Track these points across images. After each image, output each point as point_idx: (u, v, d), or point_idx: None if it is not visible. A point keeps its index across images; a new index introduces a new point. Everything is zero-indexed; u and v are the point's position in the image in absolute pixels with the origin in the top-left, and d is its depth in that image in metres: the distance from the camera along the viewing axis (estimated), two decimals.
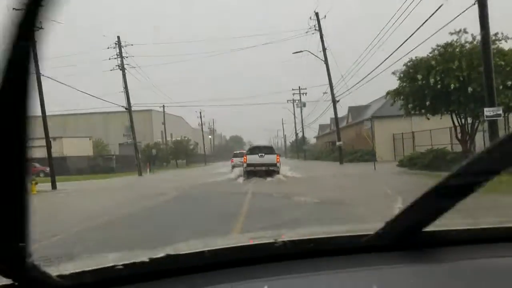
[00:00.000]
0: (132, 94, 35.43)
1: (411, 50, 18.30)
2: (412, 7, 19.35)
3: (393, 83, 18.53)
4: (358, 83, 40.50)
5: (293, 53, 35.20)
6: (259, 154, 21.57)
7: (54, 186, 20.81)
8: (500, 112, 13.14)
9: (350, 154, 35.99)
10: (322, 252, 1.07)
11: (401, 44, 19.64)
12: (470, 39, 16.38)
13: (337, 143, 33.01)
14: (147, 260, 0.96)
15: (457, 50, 16.28)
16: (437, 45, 16.86)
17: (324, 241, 1.11)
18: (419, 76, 16.27)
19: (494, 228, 1.19)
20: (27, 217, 0.70)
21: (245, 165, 21.84)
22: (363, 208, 8.60)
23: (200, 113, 79.69)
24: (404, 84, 17.48)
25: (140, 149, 43.39)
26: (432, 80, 15.79)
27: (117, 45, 35.18)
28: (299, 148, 69.84)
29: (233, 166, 27.94)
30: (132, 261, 0.96)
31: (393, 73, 17.91)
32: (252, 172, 20.90)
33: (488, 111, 13.00)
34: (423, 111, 17.88)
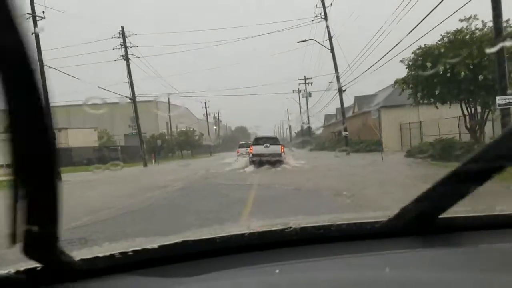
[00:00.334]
0: (137, 85, 35.27)
1: (420, 38, 17.92)
2: None
3: (400, 72, 18.22)
4: (365, 72, 39.97)
5: (298, 42, 34.84)
6: (264, 145, 22.20)
7: (59, 177, 20.70)
8: None
9: (356, 144, 35.65)
10: (333, 238, 1.08)
11: (410, 32, 19.24)
12: (480, 25, 16.01)
13: (343, 133, 32.72)
14: (158, 246, 0.99)
15: (467, 37, 15.92)
16: (447, 32, 16.51)
17: (335, 227, 1.11)
18: (428, 64, 15.92)
19: (508, 214, 1.18)
20: (57, 204, 0.74)
21: (251, 155, 22.44)
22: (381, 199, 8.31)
23: (205, 103, 79.39)
24: (413, 72, 17.13)
25: (145, 140, 43.33)
26: (441, 68, 15.45)
27: (121, 35, 34.91)
28: (304, 139, 69.56)
29: (239, 156, 28.49)
30: (146, 246, 0.99)
31: (402, 61, 17.57)
32: (258, 162, 21.39)
33: (500, 100, 12.68)
34: (432, 100, 17.55)
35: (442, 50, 15.82)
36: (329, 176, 14.65)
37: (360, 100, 44.87)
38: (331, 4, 34.40)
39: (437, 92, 16.26)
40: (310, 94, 58.93)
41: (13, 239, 0.76)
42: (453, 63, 15.20)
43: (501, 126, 13.63)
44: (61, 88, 36.69)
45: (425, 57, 16.35)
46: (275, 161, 21.25)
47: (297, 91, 63.57)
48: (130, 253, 0.98)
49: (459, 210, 1.12)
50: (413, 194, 1.05)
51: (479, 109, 17.20)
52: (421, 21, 17.98)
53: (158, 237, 1.11)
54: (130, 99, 34.84)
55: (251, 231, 1.12)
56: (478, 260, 0.96)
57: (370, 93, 45.46)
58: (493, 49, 12.98)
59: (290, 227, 1.08)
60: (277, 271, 0.93)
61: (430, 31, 17.56)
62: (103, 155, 45.84)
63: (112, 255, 0.98)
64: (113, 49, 35.24)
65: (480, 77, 14.99)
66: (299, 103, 67.45)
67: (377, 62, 32.91)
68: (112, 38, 35.14)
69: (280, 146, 22.53)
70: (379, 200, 8.15)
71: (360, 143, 35.80)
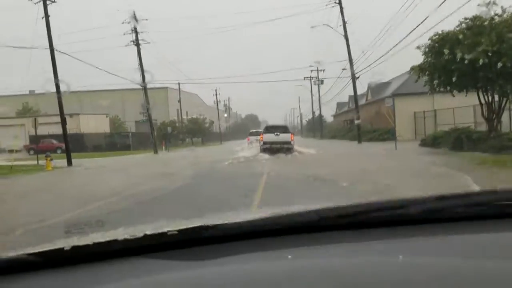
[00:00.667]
0: (148, 71, 35.16)
1: (437, 24, 17.40)
2: None
3: (415, 59, 17.79)
4: (379, 58, 39.28)
5: (311, 27, 34.39)
6: (275, 133, 23.01)
7: (69, 163, 20.76)
8: None
9: (368, 132, 35.24)
10: (350, 225, 1.07)
11: (426, 17, 18.75)
12: (499, 11, 15.50)
13: (356, 121, 32.32)
14: (168, 231, 1.00)
15: (486, 23, 15.42)
16: (465, 18, 16.01)
17: (351, 213, 1.10)
18: (446, 51, 15.47)
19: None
20: None
21: (261, 143, 23.29)
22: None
23: (216, 90, 79.14)
24: (429, 59, 16.69)
25: (156, 127, 43.32)
26: (459, 55, 15.00)
27: (132, 20, 34.63)
28: (316, 127, 69.07)
29: (249, 144, 29.01)
30: (157, 231, 1.00)
31: (418, 47, 17.10)
32: (268, 149, 22.11)
33: None
34: (448, 87, 17.11)
35: (460, 36, 15.34)
36: (336, 167, 14.39)
37: (374, 87, 44.21)
38: None
39: (454, 79, 15.81)
40: (322, 81, 58.31)
41: None
42: (471, 50, 14.76)
43: None
44: (72, 74, 36.66)
45: (442, 43, 15.88)
46: (285, 149, 21.99)
47: (309, 78, 62.75)
48: (140, 237, 0.99)
49: None
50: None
51: (496, 97, 16.77)
52: (439, 6, 17.48)
53: (170, 221, 1.11)
54: (141, 85, 34.72)
55: (264, 216, 1.10)
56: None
57: (384, 80, 44.84)
58: None
59: (306, 212, 1.08)
60: (290, 256, 0.93)
61: (448, 17, 17.08)
62: (114, 141, 46.04)
63: (126, 239, 0.99)
64: (124, 34, 35.01)
65: (499, 64, 14.52)
66: (311, 91, 66.71)
67: (392, 48, 32.28)
68: (122, 23, 34.90)
69: (290, 134, 23.42)
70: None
71: (373, 131, 35.37)
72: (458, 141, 17.02)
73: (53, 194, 10.54)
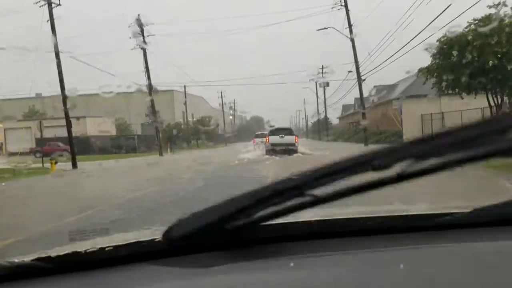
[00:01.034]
0: (154, 74, 35.19)
1: (445, 25, 17.18)
2: None
3: (422, 62, 17.61)
4: (386, 60, 38.87)
5: (317, 30, 34.10)
6: (280, 135, 24.01)
7: (74, 165, 20.72)
8: None
9: (375, 135, 34.99)
10: (356, 233, 1.06)
11: (435, 18, 18.55)
12: (510, 12, 15.27)
13: (362, 123, 32.10)
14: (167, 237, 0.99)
15: (496, 24, 15.21)
16: (474, 19, 15.79)
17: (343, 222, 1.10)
18: (454, 53, 15.26)
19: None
20: None
21: (267, 144, 24.33)
22: None
23: (221, 93, 79.15)
24: (438, 61, 16.48)
25: (161, 129, 43.31)
26: (468, 57, 14.79)
27: (137, 24, 34.69)
28: (321, 129, 68.85)
29: (255, 146, 29.81)
30: (151, 238, 0.99)
31: (426, 49, 16.90)
32: (273, 150, 23.13)
33: None
34: (457, 90, 16.89)
35: (469, 37, 15.13)
36: None
37: (380, 89, 43.94)
38: None
39: (463, 81, 15.60)
40: (327, 84, 58.06)
41: None
42: (480, 52, 14.54)
43: None
44: (78, 77, 36.81)
45: (451, 45, 15.67)
46: (289, 150, 23.02)
47: (314, 80, 62.53)
48: (142, 244, 0.98)
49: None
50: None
51: (505, 99, 16.55)
52: (447, 8, 17.28)
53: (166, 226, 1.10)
54: (147, 88, 34.74)
55: (269, 223, 1.06)
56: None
57: (390, 82, 44.55)
58: None
59: (312, 220, 1.07)
60: (292, 264, 0.92)
61: (456, 18, 16.86)
62: (120, 143, 46.09)
63: (125, 245, 0.99)
64: (130, 38, 35.10)
65: (509, 66, 14.32)
66: (316, 93, 66.54)
67: (399, 50, 32.03)
68: (129, 27, 34.98)
69: (294, 136, 24.40)
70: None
71: (379, 133, 35.13)
72: None
73: (49, 199, 10.25)
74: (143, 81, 34.68)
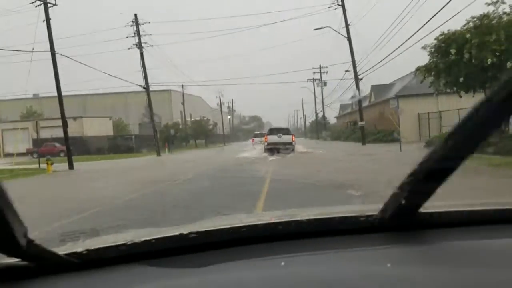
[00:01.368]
0: (152, 74, 35.05)
1: (443, 23, 17.06)
2: None
3: (419, 60, 17.54)
4: (383, 59, 38.86)
5: (314, 29, 34.07)
6: (278, 135, 25.31)
7: (71, 166, 20.55)
8: None
9: (372, 134, 34.95)
10: (327, 232, 1.08)
11: (432, 16, 18.45)
12: (508, 9, 15.21)
13: (359, 123, 32.02)
14: (161, 237, 1.00)
15: (494, 21, 15.14)
16: (472, 17, 15.72)
17: (329, 221, 1.13)
18: (452, 51, 15.18)
19: (489, 209, 1.17)
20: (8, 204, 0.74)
21: (266, 143, 25.49)
22: None
23: (220, 92, 79.14)
24: (435, 59, 16.39)
25: (159, 129, 43.13)
26: (466, 55, 14.71)
27: (134, 23, 34.55)
28: (319, 128, 68.78)
29: (254, 145, 31.02)
30: (152, 237, 1.00)
31: (423, 47, 16.81)
32: (272, 149, 24.19)
33: None
34: (455, 88, 16.80)
35: (468, 35, 15.05)
36: (340, 170, 14.09)
37: (377, 89, 43.91)
38: None
39: (461, 80, 15.52)
40: (325, 83, 58.09)
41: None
42: (479, 50, 14.46)
43: None
44: (75, 77, 36.68)
45: (449, 43, 15.59)
46: (287, 149, 24.27)
47: (312, 80, 62.55)
48: (135, 243, 0.98)
49: (443, 204, 1.14)
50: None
51: None
52: (445, 6, 17.20)
53: (165, 228, 1.13)
54: (144, 88, 34.59)
55: (260, 222, 1.12)
56: (455, 257, 0.94)
57: (387, 82, 44.54)
58: None
59: (303, 219, 1.09)
60: (283, 263, 0.92)
61: (454, 16, 16.77)
62: (117, 144, 45.91)
63: (116, 246, 0.99)
64: (127, 37, 34.95)
65: (508, 64, 14.23)
66: (314, 93, 66.52)
67: (396, 49, 31.93)
68: (125, 26, 34.83)
69: (291, 135, 25.73)
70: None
71: (377, 133, 35.09)
72: None
73: (41, 202, 10.02)
74: (141, 81, 34.58)
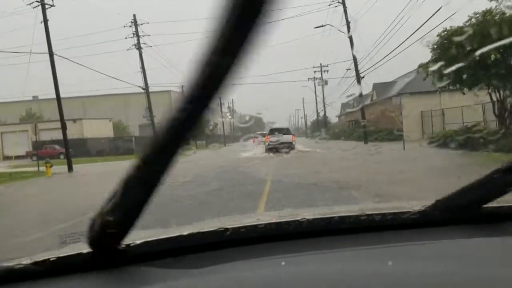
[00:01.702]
0: (151, 75, 34.88)
1: (445, 20, 16.85)
2: None
3: (419, 58, 17.31)
4: (385, 57, 38.58)
5: (315, 27, 33.82)
6: (278, 135, 25.84)
7: (70, 168, 20.38)
8: None
9: (374, 133, 34.71)
10: (350, 230, 1.06)
11: (434, 13, 18.26)
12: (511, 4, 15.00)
13: (362, 122, 31.83)
14: (166, 238, 1.01)
15: (497, 17, 14.92)
16: (475, 13, 15.50)
17: (353, 218, 1.10)
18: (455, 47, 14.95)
19: None
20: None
21: (267, 143, 25.87)
22: None
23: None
24: (438, 56, 16.18)
25: None
26: (469, 51, 14.47)
27: (133, 24, 34.42)
28: (320, 128, 68.61)
29: (255, 145, 31.28)
30: (153, 238, 1.01)
31: (426, 44, 16.59)
32: (272, 149, 24.68)
33: None
34: (458, 85, 16.59)
35: (470, 32, 14.82)
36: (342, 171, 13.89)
37: (379, 87, 43.67)
38: None
39: (464, 76, 15.30)
40: (326, 82, 57.89)
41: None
42: (481, 46, 14.22)
43: None
44: (76, 79, 36.56)
45: (451, 39, 15.37)
46: (287, 148, 24.91)
47: (313, 79, 62.33)
48: (136, 245, 0.97)
49: (507, 199, 1.11)
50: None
51: (508, 94, 16.27)
52: (446, 4, 16.96)
53: (164, 229, 1.12)
54: (143, 89, 34.45)
55: (261, 222, 1.12)
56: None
57: (389, 80, 44.28)
58: None
59: (303, 219, 1.09)
60: (283, 263, 0.93)
61: (456, 12, 16.54)
62: (117, 145, 45.74)
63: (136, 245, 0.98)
64: (126, 38, 34.83)
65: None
66: (315, 92, 66.29)
67: (398, 47, 31.73)
68: (124, 27, 34.71)
69: (291, 135, 26.65)
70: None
71: (379, 131, 34.85)
72: (469, 140, 16.46)
73: (39, 205, 9.89)
74: (140, 82, 34.45)
